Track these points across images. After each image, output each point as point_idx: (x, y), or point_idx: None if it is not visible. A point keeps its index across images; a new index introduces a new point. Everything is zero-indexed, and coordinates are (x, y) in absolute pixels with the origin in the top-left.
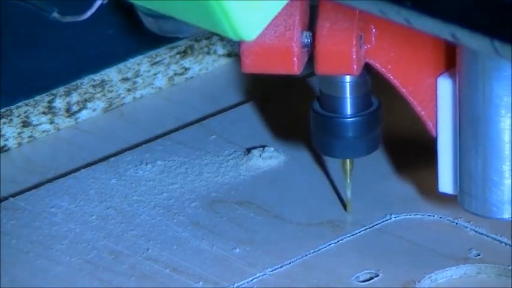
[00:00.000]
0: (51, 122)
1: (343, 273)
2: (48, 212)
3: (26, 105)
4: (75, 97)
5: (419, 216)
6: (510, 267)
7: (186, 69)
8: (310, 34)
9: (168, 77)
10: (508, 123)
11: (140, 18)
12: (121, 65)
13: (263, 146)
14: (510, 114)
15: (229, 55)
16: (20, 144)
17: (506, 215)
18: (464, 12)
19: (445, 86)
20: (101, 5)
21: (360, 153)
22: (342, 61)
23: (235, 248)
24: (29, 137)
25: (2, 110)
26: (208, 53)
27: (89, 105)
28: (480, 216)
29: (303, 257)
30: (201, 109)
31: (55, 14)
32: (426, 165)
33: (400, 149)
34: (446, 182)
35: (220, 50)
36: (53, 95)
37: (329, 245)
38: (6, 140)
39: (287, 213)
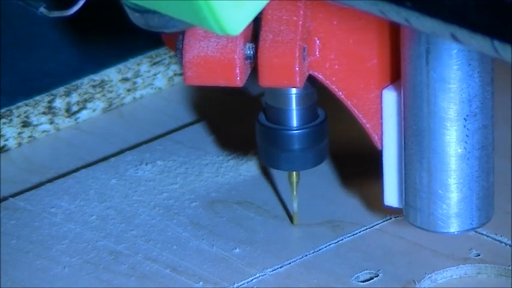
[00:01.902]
0: (51, 122)
1: (343, 273)
2: (48, 212)
3: (26, 105)
4: (75, 97)
5: None
6: (510, 267)
7: None
8: (253, 46)
9: (168, 77)
10: (453, 136)
11: (126, 13)
12: (121, 65)
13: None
14: (455, 127)
15: None
16: (20, 144)
17: (452, 229)
18: (464, 12)
19: (389, 99)
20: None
21: (306, 166)
22: (285, 73)
23: (235, 248)
24: (29, 137)
25: (2, 110)
26: None
27: (88, 105)
28: (425, 230)
29: (303, 257)
30: (201, 109)
31: (42, 9)
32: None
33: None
34: (391, 195)
35: None
36: (53, 95)
37: (329, 245)
38: (6, 140)
39: (287, 213)
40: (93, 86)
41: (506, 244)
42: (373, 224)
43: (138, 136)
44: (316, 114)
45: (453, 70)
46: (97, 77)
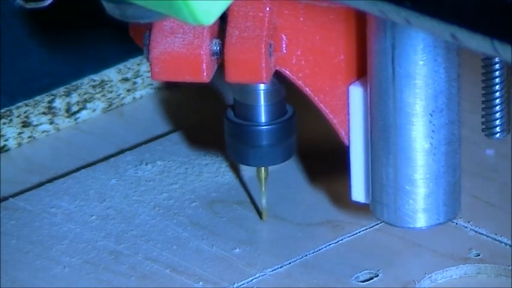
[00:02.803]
0: (51, 122)
1: (343, 273)
2: (48, 212)
3: (26, 105)
4: (75, 97)
5: None
6: (510, 267)
7: None
8: (220, 42)
9: None
10: (419, 132)
11: (101, 3)
12: (121, 65)
13: None
14: (421, 123)
15: None
16: (20, 144)
17: (419, 224)
18: (464, 12)
19: (356, 94)
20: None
21: (274, 161)
22: (251, 69)
23: (235, 248)
24: (29, 137)
25: (2, 110)
26: None
27: (88, 105)
28: (392, 225)
29: (303, 257)
30: (201, 109)
31: (19, 1)
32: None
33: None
34: (359, 191)
35: None
36: (53, 95)
37: (329, 245)
38: (6, 140)
39: (287, 213)
40: (93, 86)
41: (506, 244)
42: (373, 224)
43: (138, 136)
44: (285, 110)
45: (419, 66)
46: (97, 77)
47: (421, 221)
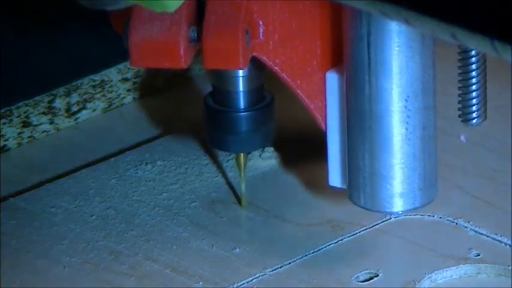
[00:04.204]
0: (51, 122)
1: (343, 273)
2: (48, 212)
3: (26, 105)
4: (75, 97)
5: (419, 216)
6: (510, 267)
7: (186, 69)
8: (197, 29)
9: (167, 77)
10: (394, 117)
11: None
12: (121, 65)
13: None
14: (396, 108)
15: None
16: (20, 144)
17: (395, 209)
18: (464, 12)
19: (333, 80)
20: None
21: (253, 147)
22: (228, 55)
23: (235, 248)
24: (29, 137)
25: (2, 110)
26: None
27: (88, 105)
28: (369, 210)
29: (303, 257)
30: (200, 109)
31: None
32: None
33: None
34: (335, 176)
35: None
36: (53, 95)
37: (329, 245)
38: (6, 140)
39: (287, 213)
40: (93, 86)
41: (506, 244)
42: (373, 224)
43: (138, 136)
44: (263, 96)
45: (394, 52)
46: (97, 77)
47: (397, 205)
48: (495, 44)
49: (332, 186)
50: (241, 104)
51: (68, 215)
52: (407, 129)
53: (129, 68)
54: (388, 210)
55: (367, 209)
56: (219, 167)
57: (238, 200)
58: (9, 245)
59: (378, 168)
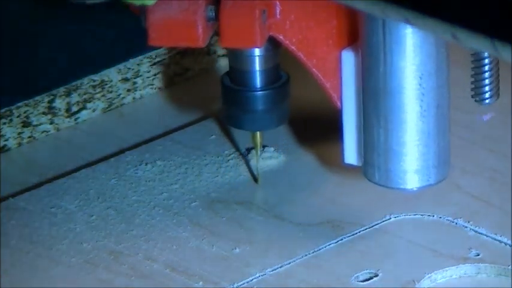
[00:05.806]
0: (51, 122)
1: (343, 273)
2: (48, 212)
3: (26, 105)
4: (75, 97)
5: (419, 216)
6: (510, 267)
7: (186, 69)
8: (214, 8)
9: (168, 77)
10: (409, 95)
11: None
12: (121, 65)
13: (263, 146)
14: (411, 86)
15: None
16: (20, 144)
17: (410, 186)
18: (464, 12)
19: (348, 59)
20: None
21: (269, 126)
22: (246, 34)
23: (235, 248)
24: (29, 137)
25: (2, 110)
26: (208, 53)
27: (88, 105)
28: (383, 186)
29: (303, 257)
30: (201, 109)
31: None
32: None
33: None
34: (351, 154)
35: (220, 51)
36: (53, 95)
37: (329, 245)
38: (6, 140)
39: (287, 213)
40: (93, 86)
41: (506, 244)
42: (373, 224)
43: (138, 136)
44: (279, 76)
45: (408, 31)
46: (97, 77)
47: (412, 182)
48: (495, 44)
49: (347, 164)
50: (258, 83)
51: (68, 215)
52: (421, 107)
53: (129, 68)
54: (403, 186)
55: (381, 186)
56: (219, 167)
57: (255, 178)
58: (9, 245)
59: (392, 145)
